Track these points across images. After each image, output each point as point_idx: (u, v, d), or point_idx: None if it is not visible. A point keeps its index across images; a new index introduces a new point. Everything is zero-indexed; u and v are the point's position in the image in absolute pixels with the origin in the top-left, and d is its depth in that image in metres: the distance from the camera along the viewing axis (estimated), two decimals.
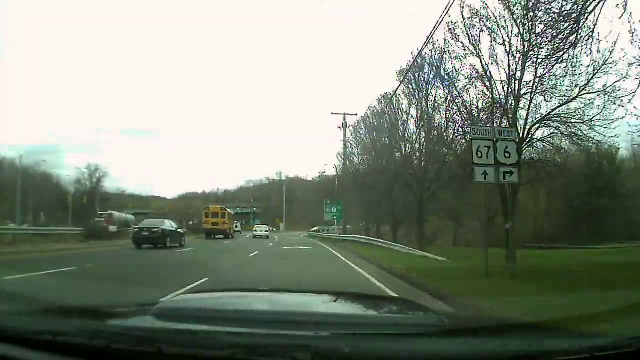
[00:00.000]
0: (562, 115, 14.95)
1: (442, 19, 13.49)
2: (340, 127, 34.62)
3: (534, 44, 13.25)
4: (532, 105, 14.77)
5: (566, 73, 13.87)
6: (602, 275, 9.65)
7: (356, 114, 34.82)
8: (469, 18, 14.77)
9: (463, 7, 14.78)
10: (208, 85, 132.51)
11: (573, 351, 1.46)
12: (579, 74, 13.73)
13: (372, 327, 1.86)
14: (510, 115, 14.65)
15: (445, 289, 7.52)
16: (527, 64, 14.20)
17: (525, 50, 14.00)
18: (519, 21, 13.91)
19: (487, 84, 15.33)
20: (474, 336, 1.83)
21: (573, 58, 13.14)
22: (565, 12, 10.25)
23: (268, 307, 2.21)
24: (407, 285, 9.17)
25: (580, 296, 6.65)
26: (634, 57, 11.27)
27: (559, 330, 2.13)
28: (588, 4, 9.71)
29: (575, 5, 10.00)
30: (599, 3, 9.52)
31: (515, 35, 14.22)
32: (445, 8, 12.56)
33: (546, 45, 12.27)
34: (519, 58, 14.28)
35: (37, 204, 51.86)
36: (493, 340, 1.75)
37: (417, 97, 25.87)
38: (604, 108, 13.83)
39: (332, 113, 35.05)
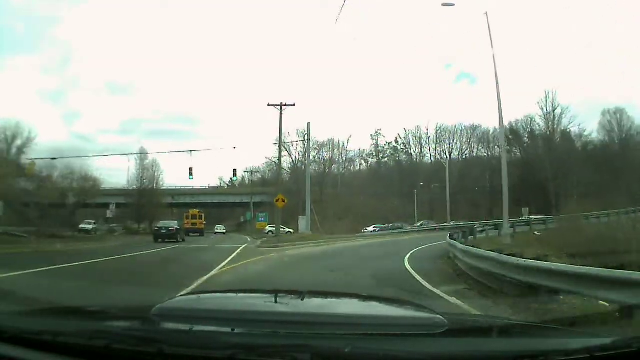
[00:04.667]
0: None
1: None
2: None
3: None
4: None
5: None
6: None
7: None
8: None
9: None
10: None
11: (573, 351, 1.46)
12: None
13: (372, 327, 1.86)
14: None
15: None
16: None
17: None
18: None
19: None
20: (474, 336, 1.83)
21: None
22: None
23: (268, 308, 2.21)
24: None
25: None
26: None
27: (559, 330, 2.13)
28: None
29: None
30: None
31: None
32: None
33: None
34: None
35: None
36: (493, 341, 1.76)
37: None
38: None
39: None
